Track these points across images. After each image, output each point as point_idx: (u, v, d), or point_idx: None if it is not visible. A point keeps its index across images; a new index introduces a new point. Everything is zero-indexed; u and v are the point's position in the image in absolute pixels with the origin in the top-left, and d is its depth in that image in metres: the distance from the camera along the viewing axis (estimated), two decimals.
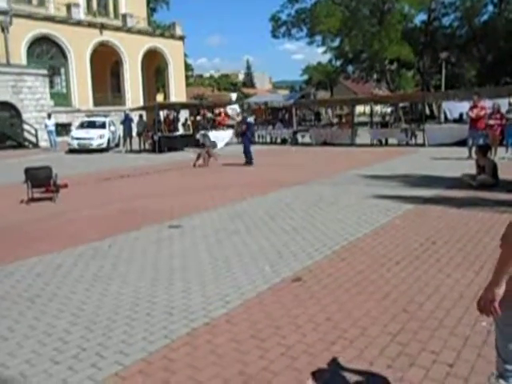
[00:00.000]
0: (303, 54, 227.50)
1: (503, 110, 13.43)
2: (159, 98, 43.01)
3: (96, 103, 31.15)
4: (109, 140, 20.96)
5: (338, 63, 45.02)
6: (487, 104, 13.92)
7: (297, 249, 5.17)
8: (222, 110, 31.29)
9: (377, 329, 3.25)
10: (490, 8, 38.16)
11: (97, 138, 20.29)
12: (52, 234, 6.29)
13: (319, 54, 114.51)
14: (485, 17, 38.15)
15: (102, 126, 21.41)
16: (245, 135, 13.89)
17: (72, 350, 3.11)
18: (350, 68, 45.61)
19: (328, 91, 61.32)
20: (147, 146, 20.24)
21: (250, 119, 14.23)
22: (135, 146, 20.43)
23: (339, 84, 59.05)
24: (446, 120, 21.66)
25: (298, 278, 4.29)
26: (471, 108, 13.40)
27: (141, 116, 21.44)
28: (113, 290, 4.16)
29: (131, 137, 20.56)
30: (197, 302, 3.79)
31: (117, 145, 22.01)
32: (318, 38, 38.62)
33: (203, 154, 13.82)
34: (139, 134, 20.79)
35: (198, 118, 24.85)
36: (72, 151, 19.90)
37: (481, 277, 4.08)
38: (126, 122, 20.62)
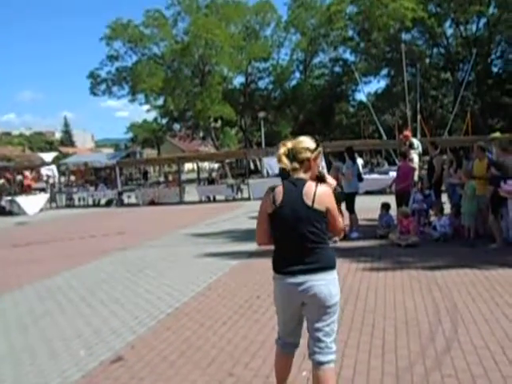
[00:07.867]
0: (128, 111, 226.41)
1: None
2: None
3: None
4: None
5: (164, 121, 45.81)
6: None
7: (118, 324, 4.72)
8: (30, 172, 28.13)
9: None
10: (298, 75, 44.03)
11: None
12: None
13: (145, 112, 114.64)
14: (294, 82, 43.72)
15: None
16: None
17: None
18: (176, 126, 46.79)
19: (155, 149, 61.62)
20: None
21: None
22: None
23: (166, 142, 59.95)
24: (269, 174, 23.47)
25: (118, 357, 3.88)
26: None
27: None
28: None
29: None
30: None
31: None
32: (141, 96, 38.84)
33: None
34: None
35: (1, 181, 22.06)
36: None
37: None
38: None
